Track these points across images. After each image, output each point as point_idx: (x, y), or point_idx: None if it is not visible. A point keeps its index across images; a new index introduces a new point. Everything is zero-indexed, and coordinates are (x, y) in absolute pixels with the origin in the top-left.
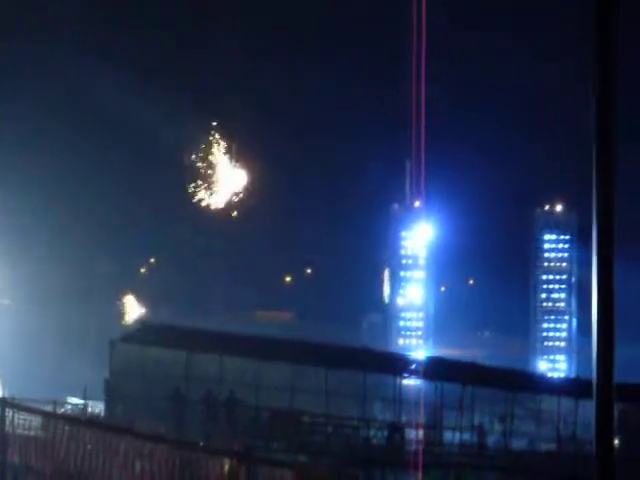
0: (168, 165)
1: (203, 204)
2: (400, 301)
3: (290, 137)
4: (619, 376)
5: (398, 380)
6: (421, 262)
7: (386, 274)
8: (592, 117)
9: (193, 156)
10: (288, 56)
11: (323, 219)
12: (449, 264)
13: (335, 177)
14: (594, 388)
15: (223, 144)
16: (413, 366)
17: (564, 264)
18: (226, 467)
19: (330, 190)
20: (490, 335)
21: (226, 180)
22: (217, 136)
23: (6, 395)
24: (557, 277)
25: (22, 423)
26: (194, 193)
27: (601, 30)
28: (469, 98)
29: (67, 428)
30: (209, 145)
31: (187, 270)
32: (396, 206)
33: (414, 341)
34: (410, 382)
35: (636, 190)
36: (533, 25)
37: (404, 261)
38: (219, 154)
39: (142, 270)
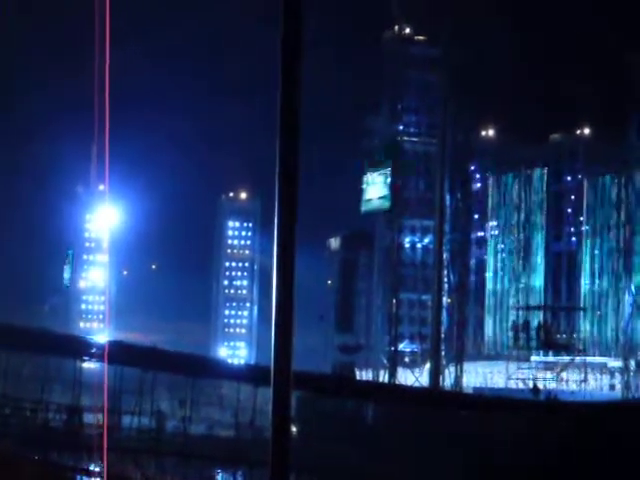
0: None
1: None
2: (82, 284)
3: None
4: (297, 364)
5: (78, 363)
6: (104, 245)
7: (68, 257)
8: (277, 113)
9: None
10: None
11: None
12: (133, 248)
13: (18, 157)
14: (272, 375)
15: None
16: (93, 350)
17: (247, 251)
18: None
19: (9, 171)
20: (172, 320)
21: None
22: None
23: None
24: (240, 264)
25: None
26: None
27: (289, 24)
28: (156, 85)
29: None
30: None
31: None
32: (80, 189)
33: (95, 324)
34: (90, 365)
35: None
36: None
37: (87, 244)
38: None
39: None
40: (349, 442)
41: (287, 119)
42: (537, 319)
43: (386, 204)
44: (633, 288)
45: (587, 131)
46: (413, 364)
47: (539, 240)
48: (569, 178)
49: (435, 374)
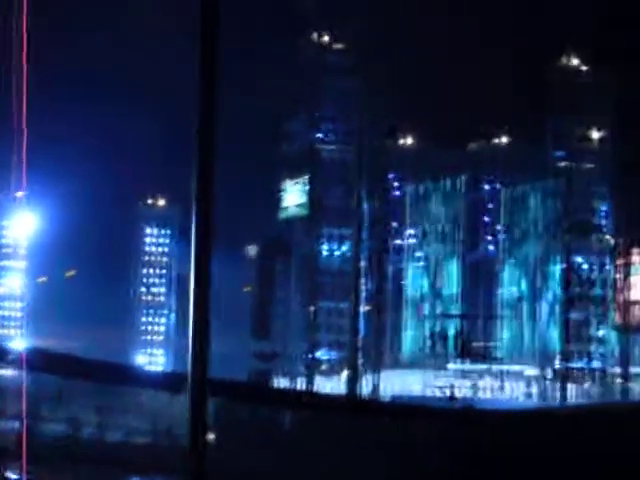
0: None
1: None
2: None
3: None
4: (213, 371)
5: None
6: (22, 252)
7: None
8: (196, 127)
9: None
10: None
11: None
12: (51, 255)
13: None
14: (189, 383)
15: None
16: (10, 356)
17: (165, 258)
18: None
19: None
20: (89, 327)
21: None
22: None
23: None
24: (157, 271)
25: None
26: None
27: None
28: (74, 95)
29: None
30: None
31: None
32: None
33: (12, 331)
34: (7, 372)
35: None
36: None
37: (4, 250)
38: None
39: None
40: (266, 448)
41: (204, 133)
42: (454, 327)
43: (304, 212)
44: (549, 296)
45: (505, 139)
46: (330, 372)
47: (456, 248)
48: (487, 186)
49: (352, 382)
